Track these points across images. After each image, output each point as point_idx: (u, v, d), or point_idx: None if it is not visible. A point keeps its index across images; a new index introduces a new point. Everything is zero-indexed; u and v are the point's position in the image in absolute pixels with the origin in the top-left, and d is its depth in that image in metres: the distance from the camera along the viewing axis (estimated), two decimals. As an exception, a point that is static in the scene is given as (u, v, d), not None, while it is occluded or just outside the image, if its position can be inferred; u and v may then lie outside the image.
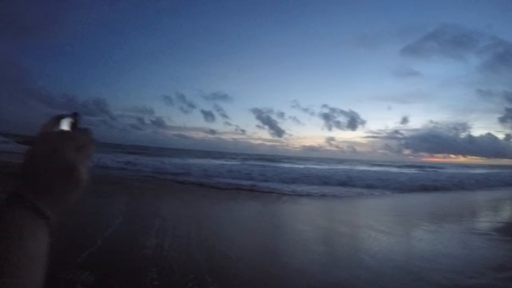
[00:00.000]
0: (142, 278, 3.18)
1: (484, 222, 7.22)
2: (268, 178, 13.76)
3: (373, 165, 38.20)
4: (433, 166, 38.82)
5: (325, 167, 26.14)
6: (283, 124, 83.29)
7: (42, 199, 0.40)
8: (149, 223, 5.17)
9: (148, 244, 4.17)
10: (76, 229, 4.35)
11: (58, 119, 0.48)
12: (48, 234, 0.40)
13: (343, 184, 13.33)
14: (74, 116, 0.48)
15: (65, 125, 0.48)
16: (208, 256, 3.88)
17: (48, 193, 0.41)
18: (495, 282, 3.58)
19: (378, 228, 5.85)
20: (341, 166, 29.32)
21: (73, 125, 0.47)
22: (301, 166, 24.96)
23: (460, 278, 3.65)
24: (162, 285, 3.07)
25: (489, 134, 58.81)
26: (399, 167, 34.10)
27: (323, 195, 10.37)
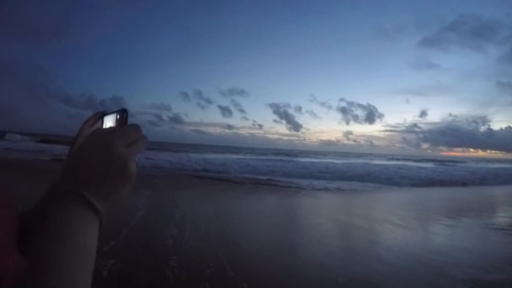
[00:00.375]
0: (164, 266, 3.37)
1: (503, 217, 7.01)
2: (285, 172, 13.85)
3: (391, 159, 36.91)
4: (452, 160, 37.19)
5: (342, 161, 25.64)
6: (300, 119, 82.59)
7: (95, 195, 0.40)
8: (168, 216, 5.38)
9: (169, 235, 4.36)
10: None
11: (102, 115, 0.51)
12: (99, 229, 0.41)
13: (360, 178, 13.26)
14: (122, 112, 0.48)
15: (110, 122, 0.49)
16: (224, 247, 4.02)
17: (101, 189, 0.41)
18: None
19: (395, 223, 5.81)
20: (358, 160, 29.18)
21: (121, 122, 0.47)
22: (318, 161, 24.81)
23: (479, 273, 3.61)
24: (181, 272, 3.24)
25: (509, 127, 55.95)
26: (418, 161, 33.05)
27: (340, 189, 10.35)
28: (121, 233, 4.25)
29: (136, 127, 0.45)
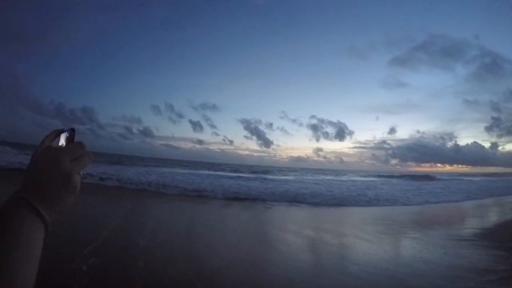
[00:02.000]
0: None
1: (468, 229, 7.36)
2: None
3: (362, 176, 37.68)
4: (424, 176, 37.54)
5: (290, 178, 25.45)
6: (271, 135, 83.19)
7: (41, 203, 0.45)
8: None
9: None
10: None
11: (59, 133, 0.57)
12: (44, 235, 0.45)
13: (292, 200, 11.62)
14: (71, 131, 0.56)
15: (63, 139, 0.56)
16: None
17: (47, 198, 0.46)
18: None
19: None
20: (320, 177, 29.19)
21: (70, 139, 0.55)
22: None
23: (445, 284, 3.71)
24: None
25: (475, 143, 60.59)
26: (389, 177, 33.97)
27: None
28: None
29: (80, 144, 0.53)
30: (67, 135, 0.55)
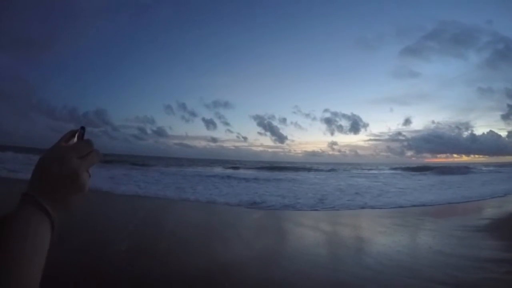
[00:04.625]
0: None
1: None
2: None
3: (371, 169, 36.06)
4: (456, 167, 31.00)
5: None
6: (284, 130, 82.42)
7: (47, 200, 0.47)
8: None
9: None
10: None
11: (74, 133, 0.57)
12: (51, 232, 0.47)
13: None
14: (81, 129, 0.56)
15: (75, 138, 0.56)
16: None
17: (53, 195, 0.48)
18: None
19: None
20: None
21: (79, 138, 0.55)
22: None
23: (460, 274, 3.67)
24: None
25: (491, 132, 58.23)
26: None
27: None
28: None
29: (88, 142, 0.53)
30: (78, 134, 0.56)
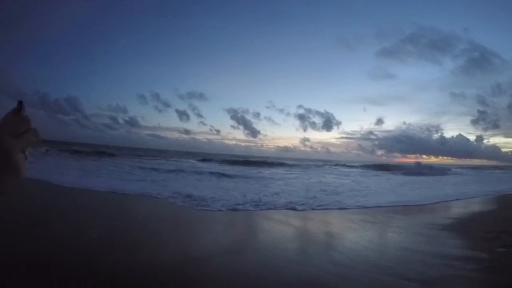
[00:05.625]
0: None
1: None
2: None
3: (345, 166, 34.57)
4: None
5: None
6: (258, 125, 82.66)
7: None
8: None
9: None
10: None
11: (17, 112, 0.49)
12: None
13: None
14: (18, 105, 0.48)
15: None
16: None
17: None
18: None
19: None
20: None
21: (16, 114, 0.47)
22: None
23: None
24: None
25: (460, 135, 62.24)
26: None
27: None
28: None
29: (24, 118, 0.47)
30: (15, 109, 0.48)
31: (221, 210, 7.01)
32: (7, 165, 0.43)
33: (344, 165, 34.93)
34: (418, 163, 32.36)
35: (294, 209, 7.60)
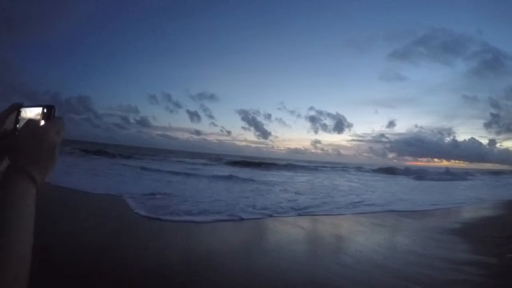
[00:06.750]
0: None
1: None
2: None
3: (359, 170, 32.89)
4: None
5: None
6: (269, 126, 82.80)
7: (33, 169, 0.53)
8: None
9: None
10: None
11: (18, 107, 0.60)
12: (35, 196, 0.53)
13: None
14: (51, 108, 0.59)
15: (31, 114, 0.59)
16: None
17: (37, 165, 0.54)
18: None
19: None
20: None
21: (49, 115, 0.59)
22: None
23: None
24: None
25: (472, 139, 60.15)
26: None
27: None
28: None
29: (61, 119, 0.60)
30: (44, 110, 0.59)
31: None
32: (53, 155, 0.56)
33: (368, 170, 32.41)
34: (447, 168, 32.48)
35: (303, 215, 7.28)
